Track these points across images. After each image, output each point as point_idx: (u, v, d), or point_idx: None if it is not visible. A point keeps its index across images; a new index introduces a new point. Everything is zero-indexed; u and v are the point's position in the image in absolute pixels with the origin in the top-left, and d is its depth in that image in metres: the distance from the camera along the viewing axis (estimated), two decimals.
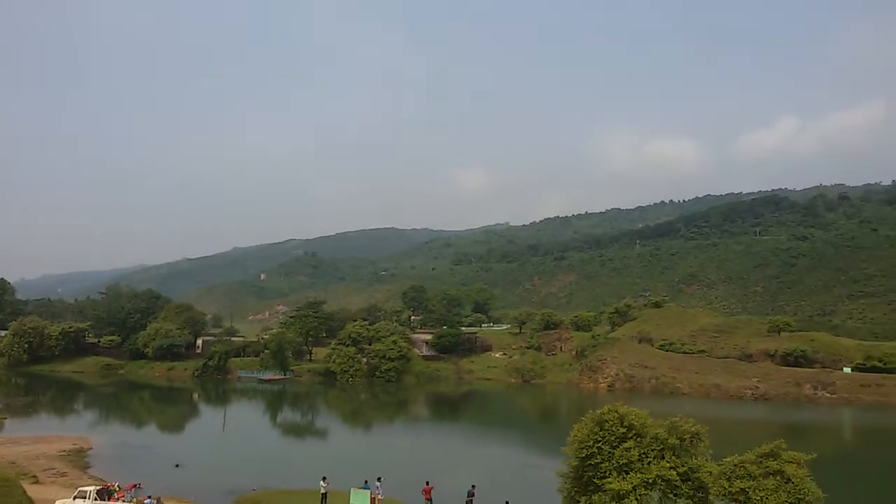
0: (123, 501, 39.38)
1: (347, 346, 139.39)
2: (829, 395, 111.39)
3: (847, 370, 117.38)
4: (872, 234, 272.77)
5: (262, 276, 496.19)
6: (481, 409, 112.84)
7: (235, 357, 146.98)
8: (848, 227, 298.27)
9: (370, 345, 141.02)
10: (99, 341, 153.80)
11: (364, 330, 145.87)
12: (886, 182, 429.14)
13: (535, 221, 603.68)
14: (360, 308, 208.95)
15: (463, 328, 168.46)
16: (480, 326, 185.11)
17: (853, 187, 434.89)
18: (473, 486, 42.01)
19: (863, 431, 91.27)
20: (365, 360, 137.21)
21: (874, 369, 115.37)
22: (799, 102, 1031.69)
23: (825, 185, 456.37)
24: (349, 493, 42.41)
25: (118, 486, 42.07)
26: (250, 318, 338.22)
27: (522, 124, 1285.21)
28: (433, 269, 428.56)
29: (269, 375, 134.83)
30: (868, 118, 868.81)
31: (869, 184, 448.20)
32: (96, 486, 41.14)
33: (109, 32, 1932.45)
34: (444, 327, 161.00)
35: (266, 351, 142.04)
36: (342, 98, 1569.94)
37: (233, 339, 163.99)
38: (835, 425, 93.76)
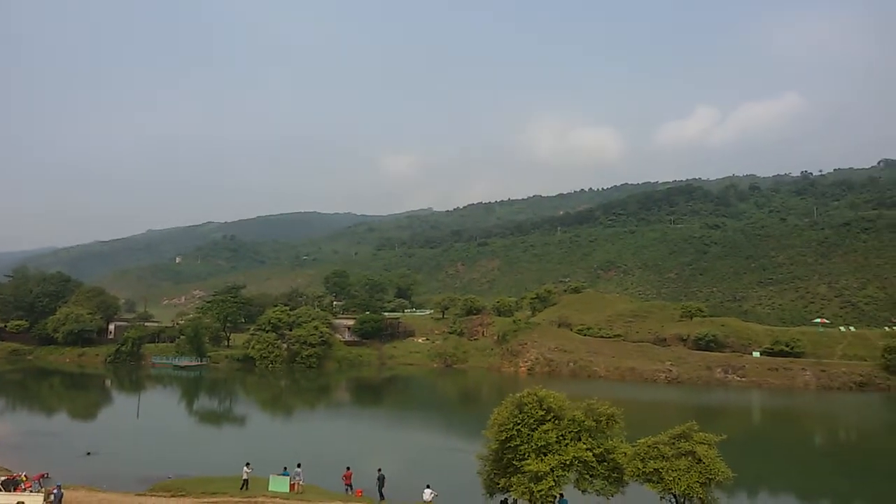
0: (31, 492, 37.80)
1: (267, 331, 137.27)
2: (739, 378, 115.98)
3: (756, 354, 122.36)
4: (781, 223, 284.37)
5: (178, 260, 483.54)
6: (403, 394, 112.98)
7: (150, 343, 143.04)
8: (758, 216, 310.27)
9: (291, 330, 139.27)
10: (5, 326, 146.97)
11: (284, 315, 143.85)
12: (795, 173, 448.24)
13: (458, 207, 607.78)
14: (281, 293, 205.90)
15: (386, 313, 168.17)
16: (403, 312, 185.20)
17: (764, 178, 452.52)
18: (380, 470, 42.01)
19: (770, 413, 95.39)
20: (285, 345, 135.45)
21: (781, 353, 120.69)
22: (714, 96, 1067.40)
23: (737, 176, 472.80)
24: (268, 479, 41.94)
25: (25, 475, 40.39)
26: (165, 302, 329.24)
27: (448, 111, 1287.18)
28: (356, 253, 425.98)
29: (184, 362, 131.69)
30: (780, 112, 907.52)
31: (779, 175, 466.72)
32: (1, 476, 39.40)
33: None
34: (367, 313, 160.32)
35: (182, 336, 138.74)
36: (264, 83, 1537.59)
37: (147, 324, 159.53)
38: (744, 407, 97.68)
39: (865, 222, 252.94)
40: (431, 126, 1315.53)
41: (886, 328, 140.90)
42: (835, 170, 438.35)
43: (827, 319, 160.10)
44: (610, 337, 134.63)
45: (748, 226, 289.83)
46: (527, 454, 32.74)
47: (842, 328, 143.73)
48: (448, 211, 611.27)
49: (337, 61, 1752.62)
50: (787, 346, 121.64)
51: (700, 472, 30.67)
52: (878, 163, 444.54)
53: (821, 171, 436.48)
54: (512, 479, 33.06)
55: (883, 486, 52.18)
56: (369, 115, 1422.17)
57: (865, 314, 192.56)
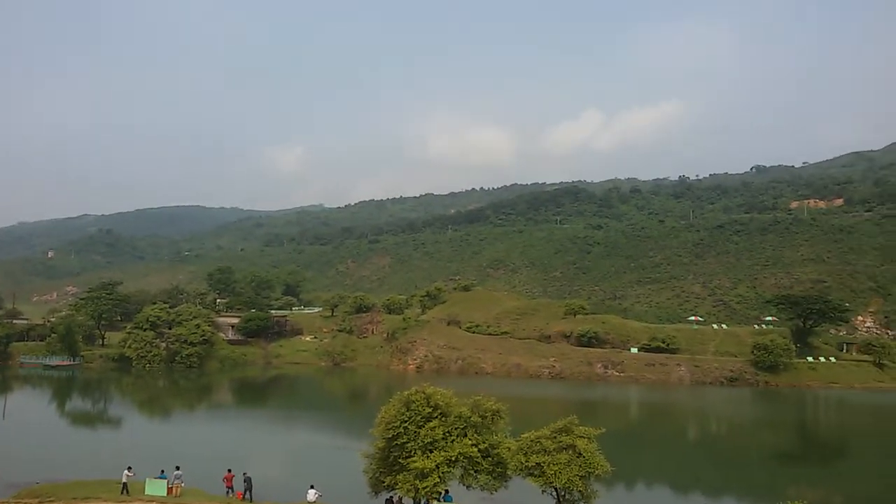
0: None
1: (145, 330, 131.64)
2: (618, 373, 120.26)
3: (634, 350, 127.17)
4: (660, 224, 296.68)
5: (50, 254, 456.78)
6: (289, 393, 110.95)
7: (18, 341, 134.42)
8: (638, 217, 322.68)
9: (170, 329, 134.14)
10: None
11: (164, 313, 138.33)
12: (674, 177, 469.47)
13: (350, 204, 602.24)
14: (161, 290, 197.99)
15: (272, 311, 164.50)
16: (291, 309, 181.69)
17: (644, 181, 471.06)
18: (245, 473, 41.09)
19: (647, 407, 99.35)
20: (164, 345, 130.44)
21: (658, 350, 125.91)
22: (600, 101, 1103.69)
23: (620, 179, 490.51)
24: (144, 483, 40.19)
25: None
26: (36, 299, 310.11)
27: (340, 105, 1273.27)
28: (242, 249, 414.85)
29: (56, 361, 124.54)
30: (660, 118, 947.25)
31: (658, 178, 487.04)
32: None
33: None
34: (253, 310, 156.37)
35: (53, 335, 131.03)
36: (141, 72, 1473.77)
37: (15, 321, 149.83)
38: (622, 402, 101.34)
39: (738, 225, 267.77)
40: (322, 120, 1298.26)
41: (755, 326, 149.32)
42: (710, 175, 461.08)
43: (701, 317, 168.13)
44: (497, 334, 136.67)
45: (629, 227, 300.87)
46: (413, 451, 32.66)
47: (714, 326, 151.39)
48: (339, 207, 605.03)
49: (225, 53, 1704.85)
50: (664, 342, 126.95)
51: (580, 465, 31.42)
52: (751, 169, 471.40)
53: (697, 175, 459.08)
54: (398, 476, 32.90)
55: (752, 477, 55.17)
56: (257, 106, 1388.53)
57: (737, 312, 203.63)
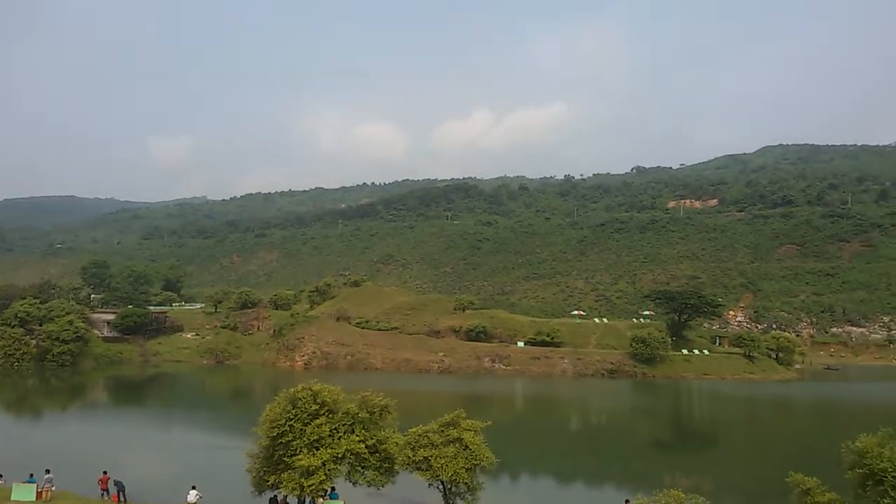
0: None
1: (13, 326, 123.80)
2: (505, 367, 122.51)
3: (521, 344, 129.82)
4: (546, 222, 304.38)
5: None
6: (169, 392, 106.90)
7: None
8: (526, 215, 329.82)
9: (41, 325, 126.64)
10: None
11: (34, 308, 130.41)
12: (560, 176, 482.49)
13: (235, 197, 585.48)
14: (31, 284, 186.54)
15: (151, 307, 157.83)
16: (171, 305, 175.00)
17: (532, 179, 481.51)
18: (118, 482, 39.52)
19: (532, 399, 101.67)
20: (34, 342, 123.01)
21: (543, 343, 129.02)
22: (491, 100, 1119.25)
23: (509, 177, 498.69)
24: (11, 488, 37.80)
25: None
26: None
27: (227, 97, 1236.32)
28: (119, 242, 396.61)
29: None
30: (548, 118, 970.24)
31: (545, 177, 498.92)
32: None
33: None
34: (130, 306, 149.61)
35: None
36: (20, 53, 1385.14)
37: None
38: (509, 395, 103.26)
39: (619, 223, 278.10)
40: (208, 112, 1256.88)
41: (634, 320, 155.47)
42: (594, 174, 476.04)
43: (584, 312, 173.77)
44: (387, 329, 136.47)
45: (517, 224, 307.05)
46: (299, 449, 32.23)
47: (596, 320, 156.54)
48: (224, 200, 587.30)
49: (102, 39, 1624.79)
50: (549, 336, 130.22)
51: (466, 458, 31.84)
52: (631, 169, 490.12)
53: (582, 175, 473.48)
54: (282, 475, 32.39)
55: (630, 465, 57.38)
56: (136, 93, 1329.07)
57: (617, 307, 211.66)
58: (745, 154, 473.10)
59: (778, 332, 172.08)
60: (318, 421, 32.82)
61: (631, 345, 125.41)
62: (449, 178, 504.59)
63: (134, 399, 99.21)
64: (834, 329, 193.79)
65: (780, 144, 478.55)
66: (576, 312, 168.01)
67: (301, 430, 32.64)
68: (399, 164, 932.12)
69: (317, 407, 33.25)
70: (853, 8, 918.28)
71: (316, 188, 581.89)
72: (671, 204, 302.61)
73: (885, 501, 29.36)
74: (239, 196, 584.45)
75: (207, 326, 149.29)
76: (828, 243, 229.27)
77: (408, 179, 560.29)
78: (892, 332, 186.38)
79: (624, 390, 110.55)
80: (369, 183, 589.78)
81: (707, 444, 73.34)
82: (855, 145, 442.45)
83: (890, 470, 29.45)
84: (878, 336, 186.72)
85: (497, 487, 42.46)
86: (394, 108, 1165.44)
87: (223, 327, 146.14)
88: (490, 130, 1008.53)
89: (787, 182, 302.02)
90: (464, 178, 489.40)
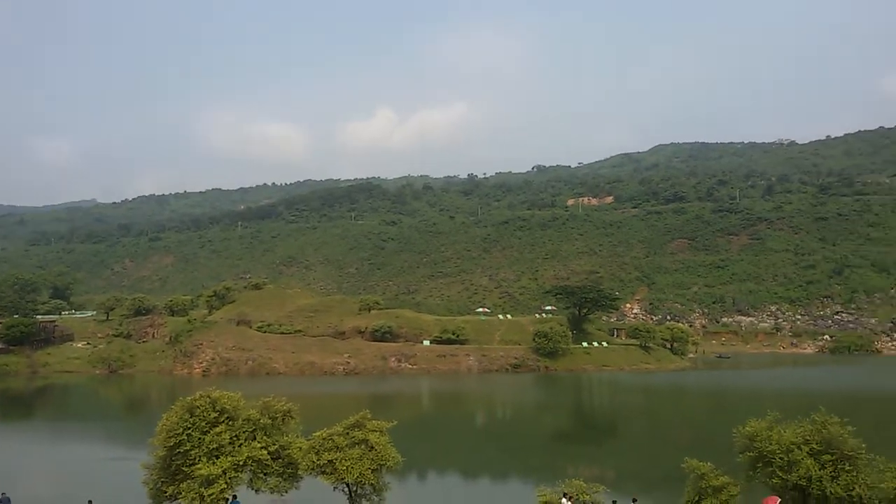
0: None
1: None
2: (411, 366, 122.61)
3: (427, 343, 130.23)
4: (450, 220, 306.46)
5: None
6: (60, 404, 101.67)
7: None
8: (430, 214, 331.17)
9: None
10: None
11: None
12: (463, 175, 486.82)
13: (127, 199, 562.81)
14: None
15: (39, 316, 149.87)
16: (60, 314, 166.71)
17: (436, 179, 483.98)
18: (3, 493, 37.36)
19: (438, 397, 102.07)
20: None
21: (449, 341, 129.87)
22: (395, 99, 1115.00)
23: (413, 176, 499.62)
24: None
25: None
26: None
27: (117, 96, 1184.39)
28: (2, 249, 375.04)
29: None
30: (451, 118, 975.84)
31: (449, 176, 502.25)
32: None
33: None
34: (15, 316, 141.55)
35: None
36: None
37: None
38: (415, 393, 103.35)
39: (521, 221, 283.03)
40: (94, 109, 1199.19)
41: (537, 315, 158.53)
42: (496, 173, 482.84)
43: (488, 308, 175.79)
44: (290, 333, 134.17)
45: (421, 223, 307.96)
46: (198, 458, 31.22)
47: (500, 316, 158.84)
48: (115, 203, 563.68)
49: None
50: (454, 334, 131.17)
51: (372, 459, 31.57)
52: (532, 168, 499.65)
53: (485, 174, 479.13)
54: (181, 485, 31.27)
55: (534, 458, 58.33)
56: (13, 92, 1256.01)
57: (520, 303, 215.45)
58: (638, 153, 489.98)
59: (672, 322, 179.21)
60: (217, 429, 31.89)
61: (534, 339, 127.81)
62: (352, 178, 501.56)
63: (21, 413, 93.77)
64: (725, 319, 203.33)
65: (672, 143, 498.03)
66: (480, 309, 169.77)
67: (200, 438, 31.63)
68: (300, 164, 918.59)
69: (216, 414, 32.32)
70: (739, 13, 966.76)
71: (213, 189, 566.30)
72: (570, 201, 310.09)
73: (774, 482, 30.87)
74: (131, 198, 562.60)
75: (99, 335, 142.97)
76: (718, 237, 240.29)
77: (310, 179, 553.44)
78: (779, 320, 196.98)
79: (527, 384, 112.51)
80: (270, 183, 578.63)
81: (608, 433, 75.40)
82: (742, 143, 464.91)
83: (778, 452, 30.98)
84: (766, 325, 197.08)
85: (404, 486, 42.35)
86: (295, 108, 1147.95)
87: (116, 335, 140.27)
88: (394, 130, 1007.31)
89: (679, 179, 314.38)
90: (367, 178, 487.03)
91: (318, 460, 31.99)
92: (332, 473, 31.59)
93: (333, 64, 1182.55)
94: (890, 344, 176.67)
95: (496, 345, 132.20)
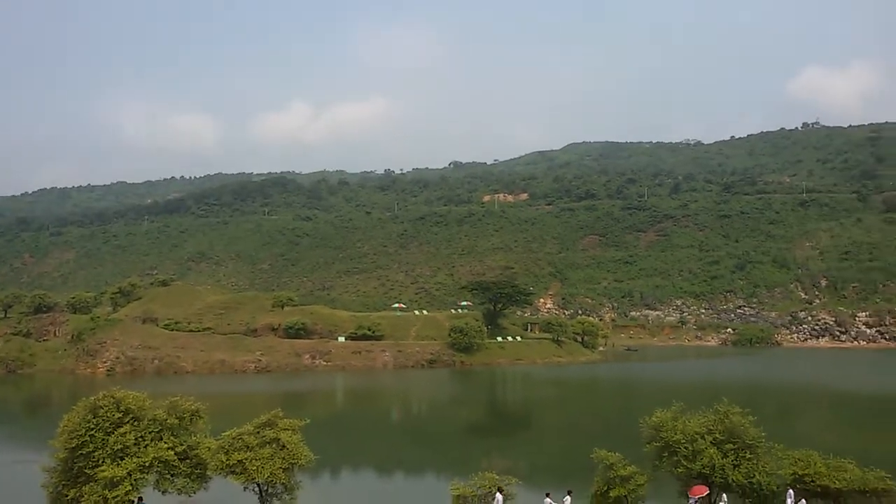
0: None
1: None
2: (325, 363, 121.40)
3: (342, 339, 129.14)
4: (367, 216, 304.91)
5: None
6: None
7: None
8: (346, 209, 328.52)
9: None
10: None
11: None
12: (380, 171, 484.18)
13: (26, 192, 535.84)
14: None
15: None
16: None
17: (352, 174, 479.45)
18: None
19: (353, 394, 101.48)
20: None
21: (364, 337, 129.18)
22: (310, 92, 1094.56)
23: (329, 171, 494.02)
24: None
25: None
26: None
27: (11, 82, 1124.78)
28: None
29: None
30: (368, 113, 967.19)
31: (366, 172, 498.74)
32: None
33: None
34: None
35: None
36: None
37: None
38: (329, 391, 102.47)
39: (438, 217, 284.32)
40: None
41: (453, 310, 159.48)
42: (413, 169, 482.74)
43: (404, 304, 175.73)
44: (199, 331, 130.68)
45: (337, 218, 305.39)
46: (101, 460, 30.32)
47: (416, 312, 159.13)
48: (14, 196, 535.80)
49: None
50: (370, 330, 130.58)
51: (283, 458, 31.20)
52: (449, 164, 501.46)
53: (402, 170, 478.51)
54: (83, 488, 30.31)
55: (449, 452, 58.69)
56: None
57: (436, 298, 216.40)
58: (552, 150, 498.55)
59: (583, 317, 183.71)
60: (122, 429, 31.06)
61: (449, 335, 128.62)
62: (266, 172, 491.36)
63: None
64: (633, 313, 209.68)
65: (584, 142, 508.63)
66: (396, 305, 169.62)
67: (103, 439, 30.75)
68: (211, 157, 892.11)
69: (120, 415, 31.51)
70: (649, 15, 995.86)
71: (118, 182, 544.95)
72: (486, 198, 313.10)
73: (679, 471, 32.02)
74: (31, 191, 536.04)
75: None
76: (627, 233, 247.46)
77: (221, 173, 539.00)
78: (685, 314, 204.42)
79: (443, 379, 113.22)
80: (178, 177, 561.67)
81: (521, 426, 76.57)
82: (651, 143, 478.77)
83: (682, 441, 32.16)
84: (672, 318, 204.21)
85: (317, 485, 41.90)
86: (205, 98, 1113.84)
87: (14, 334, 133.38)
88: (310, 124, 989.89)
89: (591, 177, 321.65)
90: (281, 173, 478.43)
91: (227, 460, 31.42)
92: (242, 473, 31.10)
93: (247, 55, 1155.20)
94: (789, 336, 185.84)
95: (412, 340, 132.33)
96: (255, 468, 30.70)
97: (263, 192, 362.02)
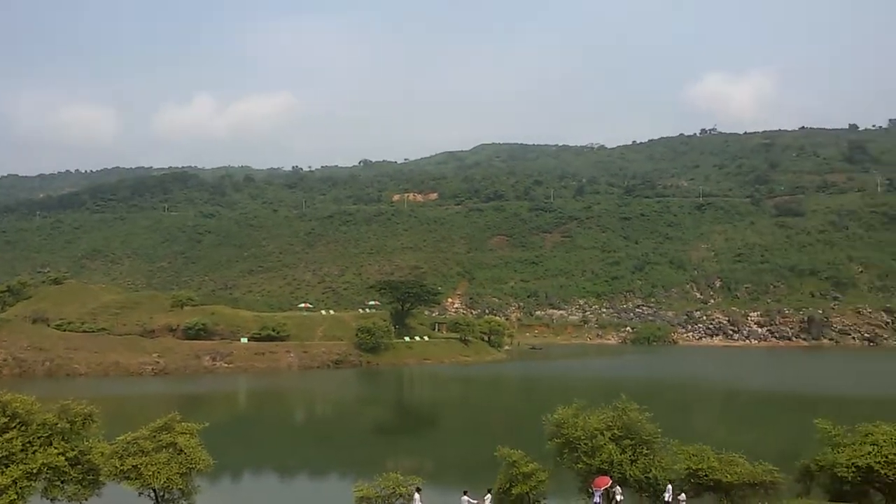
0: None
1: None
2: (226, 364, 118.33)
3: (244, 340, 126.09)
4: (273, 214, 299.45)
5: None
6: None
7: None
8: (252, 206, 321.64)
9: None
10: None
11: None
12: (287, 168, 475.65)
13: None
14: None
15: None
16: None
17: (259, 170, 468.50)
18: None
19: (256, 396, 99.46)
20: None
21: (268, 338, 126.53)
22: (216, 86, 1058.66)
23: (233, 167, 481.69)
24: None
25: None
26: None
27: None
28: None
29: None
30: (276, 109, 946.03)
31: (272, 168, 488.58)
32: None
33: None
34: None
35: None
36: None
37: None
38: (231, 393, 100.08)
39: (346, 215, 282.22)
40: None
41: (360, 310, 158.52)
42: (322, 167, 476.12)
43: (311, 304, 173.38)
44: (94, 331, 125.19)
45: (242, 216, 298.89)
46: None
47: (323, 312, 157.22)
48: None
49: None
50: (274, 330, 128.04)
51: (181, 462, 30.27)
52: (359, 162, 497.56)
53: (310, 167, 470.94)
54: None
55: (354, 452, 58.20)
56: None
57: (344, 298, 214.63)
58: (462, 151, 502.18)
59: (490, 316, 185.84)
60: (7, 435, 29.39)
61: (357, 335, 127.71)
62: (167, 167, 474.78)
63: None
64: (538, 312, 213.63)
65: (493, 143, 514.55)
66: (302, 305, 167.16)
67: None
68: (109, 150, 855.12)
69: (6, 419, 29.84)
70: (555, 24, 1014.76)
71: (9, 175, 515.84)
72: (396, 197, 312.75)
73: (580, 466, 32.74)
74: None
75: None
76: (533, 234, 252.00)
77: (119, 167, 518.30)
78: (587, 313, 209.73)
79: (349, 380, 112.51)
80: (73, 170, 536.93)
81: (427, 425, 76.86)
82: (557, 145, 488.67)
83: (583, 438, 32.90)
84: (575, 317, 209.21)
85: (217, 489, 40.80)
86: (106, 90, 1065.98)
87: None
88: (214, 118, 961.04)
89: (499, 178, 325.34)
90: (183, 167, 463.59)
91: (121, 465, 30.23)
92: (136, 479, 29.96)
93: (152, 47, 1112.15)
94: (685, 335, 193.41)
95: (318, 341, 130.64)
96: (150, 473, 29.65)
97: (164, 187, 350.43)
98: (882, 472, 31.04)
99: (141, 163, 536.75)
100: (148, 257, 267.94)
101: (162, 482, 29.71)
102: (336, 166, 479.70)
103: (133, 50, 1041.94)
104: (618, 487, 31.84)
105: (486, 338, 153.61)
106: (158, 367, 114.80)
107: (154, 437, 31.29)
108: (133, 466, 29.85)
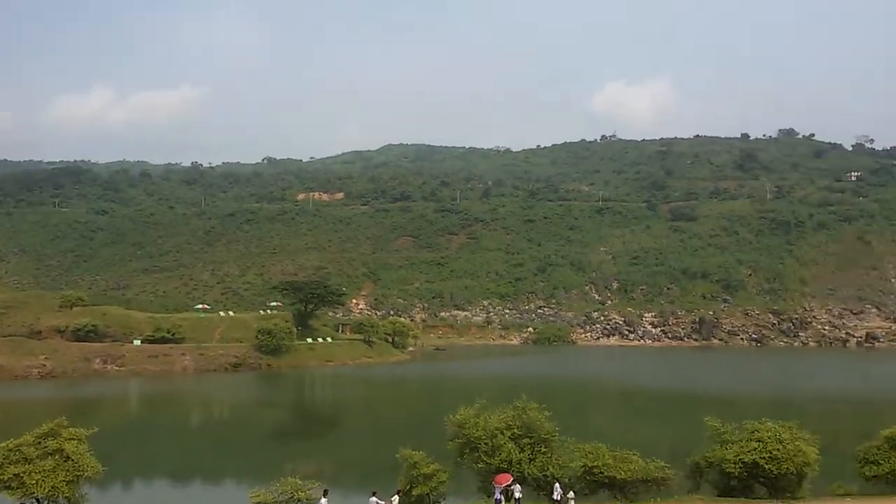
0: None
1: None
2: (117, 368, 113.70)
3: (137, 342, 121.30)
4: (170, 211, 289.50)
5: None
6: None
7: None
8: (148, 203, 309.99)
9: None
10: None
11: None
12: (186, 163, 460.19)
13: None
14: None
15: None
16: None
17: (156, 165, 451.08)
18: None
19: (148, 400, 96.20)
20: None
21: (164, 340, 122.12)
22: (113, 76, 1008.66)
23: (129, 161, 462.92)
24: None
25: None
26: None
27: None
28: None
29: None
30: (176, 103, 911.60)
31: (170, 163, 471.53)
32: None
33: None
34: None
35: None
36: None
37: None
38: (122, 397, 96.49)
39: (248, 214, 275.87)
40: None
41: (262, 311, 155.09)
42: (224, 163, 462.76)
43: (209, 305, 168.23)
44: None
45: (137, 212, 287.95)
46: None
47: (222, 313, 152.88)
48: None
49: None
50: (169, 332, 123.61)
51: (68, 470, 28.96)
52: (263, 160, 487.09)
53: (210, 163, 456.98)
54: None
55: (252, 458, 57.06)
56: None
57: (244, 299, 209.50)
58: (369, 151, 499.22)
59: (395, 317, 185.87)
60: None
61: (257, 337, 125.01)
62: (58, 161, 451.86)
63: None
64: (443, 313, 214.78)
65: (401, 143, 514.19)
66: (200, 306, 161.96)
67: None
68: None
69: None
70: (466, 29, 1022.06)
71: None
72: (301, 196, 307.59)
73: (480, 466, 33.15)
74: None
75: None
76: (439, 235, 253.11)
77: (5, 160, 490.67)
78: (490, 314, 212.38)
79: (248, 383, 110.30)
80: None
81: (329, 427, 76.20)
82: (464, 147, 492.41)
83: (483, 438, 33.34)
84: (479, 318, 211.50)
85: (106, 497, 39.20)
86: None
87: None
88: (110, 110, 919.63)
89: (406, 178, 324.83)
90: (76, 161, 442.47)
91: (1, 474, 28.64)
92: (18, 488, 28.50)
93: (42, 29, 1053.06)
94: (583, 335, 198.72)
95: (216, 343, 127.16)
96: (34, 482, 28.24)
97: (54, 181, 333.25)
98: (766, 467, 32.80)
99: (30, 156, 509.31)
100: (36, 255, 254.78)
101: (46, 491, 28.38)
102: (238, 163, 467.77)
103: (23, 31, 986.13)
104: (517, 485, 32.35)
105: (390, 339, 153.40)
106: (45, 370, 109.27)
107: (39, 443, 29.89)
108: (15, 475, 28.40)
